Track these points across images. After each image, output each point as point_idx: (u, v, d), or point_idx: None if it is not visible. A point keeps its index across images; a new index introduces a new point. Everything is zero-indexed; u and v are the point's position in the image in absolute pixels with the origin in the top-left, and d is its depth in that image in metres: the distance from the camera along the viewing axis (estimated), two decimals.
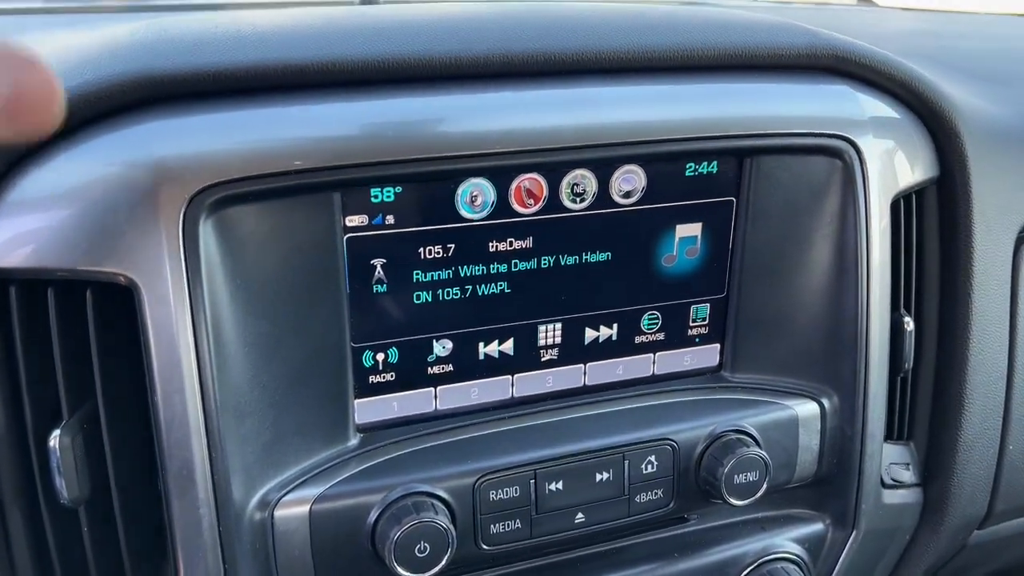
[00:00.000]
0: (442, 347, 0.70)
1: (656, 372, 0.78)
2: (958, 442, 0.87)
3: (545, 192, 0.68)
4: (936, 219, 0.84)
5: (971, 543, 0.98)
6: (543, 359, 0.74)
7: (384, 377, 0.70)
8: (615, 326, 0.75)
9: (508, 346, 0.72)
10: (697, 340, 0.78)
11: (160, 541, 0.64)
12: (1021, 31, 1.47)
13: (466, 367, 0.72)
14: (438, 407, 0.72)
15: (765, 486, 0.73)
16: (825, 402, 0.78)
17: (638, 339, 0.76)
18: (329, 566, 0.65)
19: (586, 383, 0.76)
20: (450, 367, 0.71)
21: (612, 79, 0.69)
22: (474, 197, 0.67)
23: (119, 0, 1.32)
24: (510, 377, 0.73)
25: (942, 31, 1.39)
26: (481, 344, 0.72)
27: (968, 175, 0.82)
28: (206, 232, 0.58)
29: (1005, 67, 1.12)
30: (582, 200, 0.70)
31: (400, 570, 0.63)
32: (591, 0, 1.42)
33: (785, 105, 0.72)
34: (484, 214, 0.67)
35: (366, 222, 0.64)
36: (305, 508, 0.64)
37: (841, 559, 0.82)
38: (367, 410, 0.70)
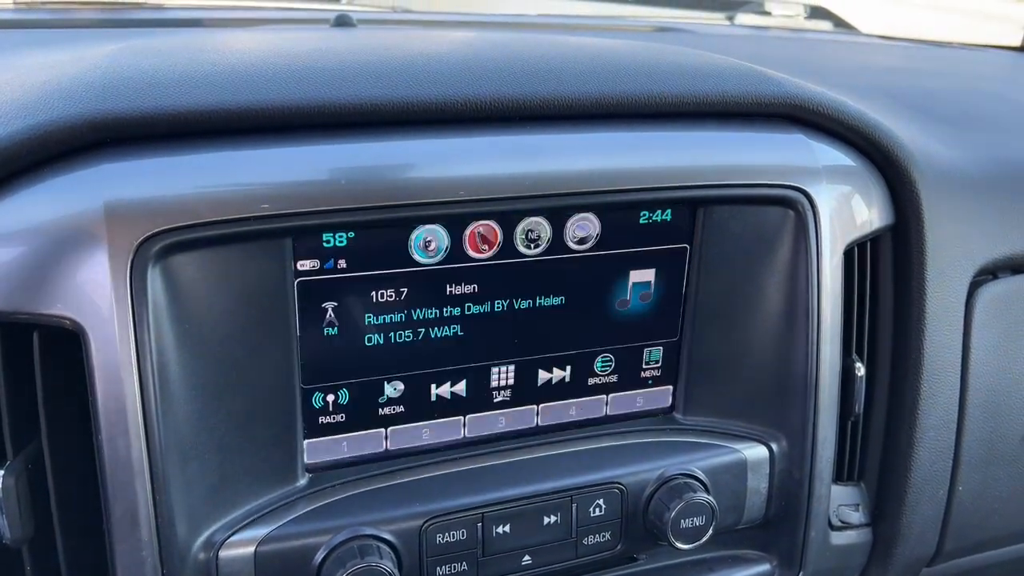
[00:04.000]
0: (393, 388, 0.71)
1: (609, 413, 0.79)
2: (908, 483, 0.88)
3: (499, 238, 0.69)
4: (891, 265, 0.86)
5: None
6: (496, 400, 0.75)
7: (334, 418, 0.70)
8: (568, 368, 0.76)
9: (460, 387, 0.73)
10: (650, 382, 0.79)
11: None
12: (992, 67, 1.49)
13: (418, 408, 0.72)
14: (388, 447, 0.72)
15: (711, 531, 0.74)
16: (774, 446, 0.79)
17: (591, 381, 0.77)
18: None
19: (539, 423, 0.77)
20: (401, 408, 0.72)
21: (567, 126, 0.70)
22: (428, 242, 0.67)
23: (92, 12, 1.32)
24: (462, 418, 0.74)
25: (914, 67, 1.40)
26: (433, 386, 0.72)
27: (922, 222, 0.83)
28: (153, 277, 0.58)
29: (969, 107, 1.14)
30: (536, 246, 0.70)
31: None
32: (556, 28, 1.43)
33: (739, 155, 0.73)
34: (438, 259, 0.68)
35: (318, 266, 0.65)
36: (250, 549, 0.65)
37: None
38: (317, 450, 0.70)
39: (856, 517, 0.88)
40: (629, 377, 0.78)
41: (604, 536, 0.74)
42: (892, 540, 0.90)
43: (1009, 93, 1.26)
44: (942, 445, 0.89)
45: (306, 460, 0.70)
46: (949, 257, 0.86)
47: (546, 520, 0.72)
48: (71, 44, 1.00)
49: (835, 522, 0.85)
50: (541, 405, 0.76)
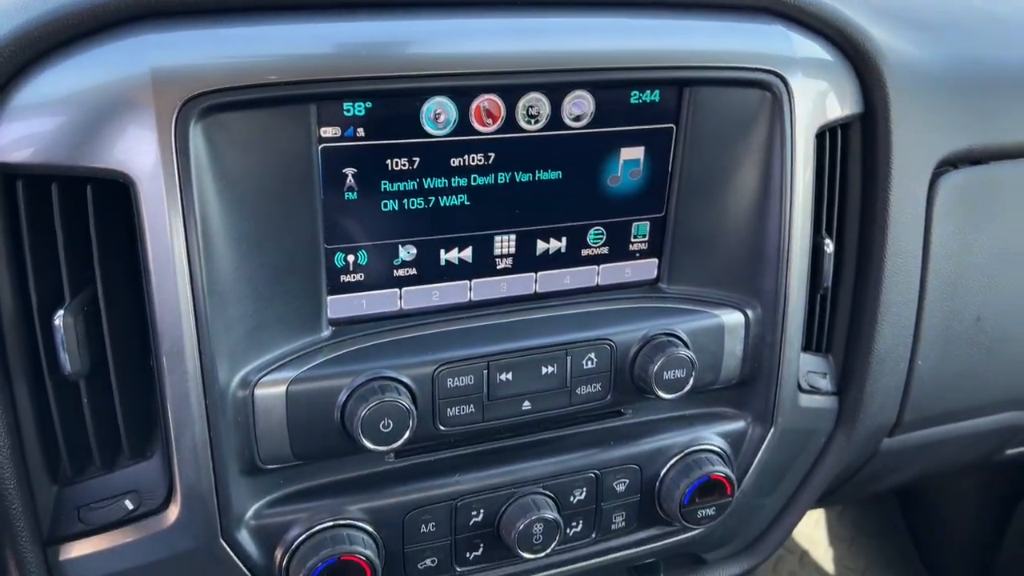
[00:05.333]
0: (407, 252, 0.78)
1: (600, 283, 0.87)
2: (871, 355, 0.97)
3: (503, 113, 0.76)
4: (859, 152, 0.93)
5: (881, 450, 1.09)
6: (499, 267, 0.82)
7: (354, 277, 0.77)
8: (564, 239, 0.83)
9: (467, 254, 0.80)
10: (637, 255, 0.87)
11: (152, 413, 0.73)
12: None
13: (428, 271, 0.80)
14: (403, 306, 0.80)
15: (691, 383, 0.83)
16: (749, 312, 0.87)
17: (584, 252, 0.85)
18: (303, 438, 0.74)
19: (537, 290, 0.85)
20: (414, 271, 0.79)
21: (566, 10, 0.76)
22: (438, 115, 0.74)
23: None
24: (468, 282, 0.82)
25: None
26: (442, 251, 0.80)
27: (889, 113, 0.90)
28: (196, 136, 0.65)
29: (936, 13, 1.19)
30: (536, 122, 0.77)
31: (366, 443, 0.72)
32: None
33: (723, 41, 0.80)
34: (447, 131, 0.75)
35: (339, 134, 0.72)
36: (282, 388, 0.73)
37: (760, 453, 0.92)
38: (339, 306, 0.78)
39: (824, 384, 0.97)
40: (619, 249, 0.86)
41: (595, 387, 0.82)
42: (856, 408, 0.99)
43: (975, 1, 1.32)
44: (903, 322, 0.98)
45: (329, 314, 0.77)
46: (913, 147, 0.93)
47: (544, 370, 0.80)
48: None
49: (804, 386, 0.94)
50: (539, 273, 0.84)
